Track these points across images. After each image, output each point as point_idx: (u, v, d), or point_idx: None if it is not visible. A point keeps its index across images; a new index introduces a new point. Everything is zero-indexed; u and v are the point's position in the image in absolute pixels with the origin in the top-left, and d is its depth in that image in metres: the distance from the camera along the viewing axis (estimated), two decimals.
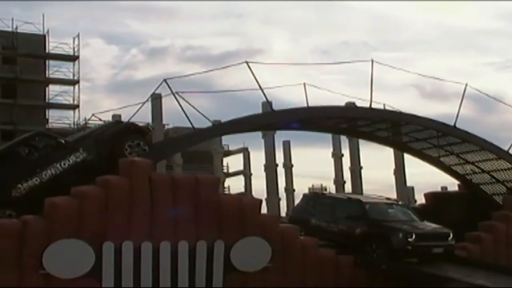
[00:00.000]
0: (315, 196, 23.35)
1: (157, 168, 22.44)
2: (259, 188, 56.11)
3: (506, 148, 23.17)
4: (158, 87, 19.72)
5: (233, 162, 68.28)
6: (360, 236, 19.39)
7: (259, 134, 48.74)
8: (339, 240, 19.94)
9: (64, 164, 17.46)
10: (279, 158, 54.59)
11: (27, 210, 15.75)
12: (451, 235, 19.45)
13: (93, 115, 22.89)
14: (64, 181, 16.96)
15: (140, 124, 19.25)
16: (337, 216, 20.47)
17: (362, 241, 19.29)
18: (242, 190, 61.64)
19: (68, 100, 56.05)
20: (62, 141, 18.04)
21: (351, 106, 23.72)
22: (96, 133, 18.69)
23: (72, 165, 17.54)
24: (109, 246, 15.69)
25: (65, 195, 15.97)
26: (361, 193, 22.45)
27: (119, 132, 18.59)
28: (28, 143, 17.94)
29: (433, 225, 19.98)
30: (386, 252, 18.68)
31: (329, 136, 48.77)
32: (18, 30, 54.13)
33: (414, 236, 18.67)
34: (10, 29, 53.73)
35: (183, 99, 19.49)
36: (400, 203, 22.51)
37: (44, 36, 55.41)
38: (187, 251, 16.49)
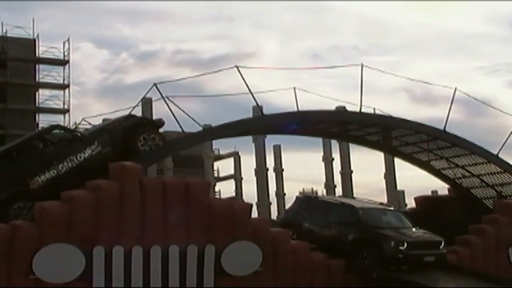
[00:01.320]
0: (308, 200, 23.16)
1: (148, 172, 22.43)
2: (250, 192, 56.12)
3: (495, 152, 23.25)
4: (149, 91, 19.73)
5: (224, 166, 68.28)
6: (352, 242, 19.23)
7: (249, 138, 48.81)
8: (330, 245, 19.72)
9: (80, 157, 17.76)
10: (270, 162, 54.68)
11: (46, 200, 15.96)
12: (443, 243, 19.37)
13: (83, 119, 22.85)
14: (80, 173, 17.27)
15: (154, 118, 19.43)
16: (329, 221, 20.23)
17: (353, 247, 19.14)
18: (233, 194, 61.68)
19: (58, 104, 55.82)
20: (78, 134, 18.45)
21: (341, 110, 23.75)
22: (111, 126, 18.97)
23: (88, 158, 17.84)
24: (99, 251, 15.67)
25: (81, 188, 16.26)
26: (353, 197, 22.19)
27: (133, 125, 18.75)
28: (44, 136, 18.34)
29: (425, 233, 19.81)
30: (377, 259, 18.56)
31: (319, 140, 48.80)
32: (8, 34, 53.86)
33: (406, 245, 18.55)
34: (0, 33, 53.56)
35: (173, 103, 19.46)
36: (392, 208, 22.32)
37: (34, 40, 55.21)
38: (177, 255, 16.49)
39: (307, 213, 21.13)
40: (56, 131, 18.65)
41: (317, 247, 19.36)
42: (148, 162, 19.22)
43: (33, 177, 17.12)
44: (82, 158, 17.79)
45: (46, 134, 18.49)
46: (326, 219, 20.39)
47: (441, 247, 19.33)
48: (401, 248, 18.50)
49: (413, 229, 19.95)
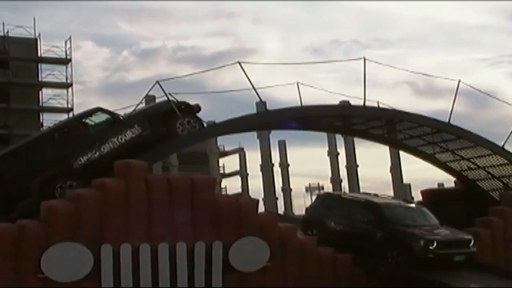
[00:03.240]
0: (330, 197, 22.51)
1: (153, 169, 22.44)
2: (256, 188, 56.19)
3: (500, 144, 23.20)
4: (151, 88, 19.66)
5: (229, 163, 68.39)
6: (379, 242, 18.74)
7: (254, 134, 48.79)
8: (356, 244, 19.21)
9: (121, 138, 18.44)
10: (275, 157, 54.73)
11: (86, 181, 16.69)
12: (473, 242, 18.95)
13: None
14: (121, 154, 17.70)
15: (191, 103, 19.78)
16: (353, 219, 19.78)
17: (381, 247, 18.67)
18: (239, 190, 61.71)
19: (61, 103, 55.86)
20: (120, 117, 19.01)
21: (345, 105, 23.70)
22: (150, 110, 19.49)
23: (128, 140, 18.48)
24: (107, 249, 15.70)
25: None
26: (375, 194, 21.34)
27: (172, 109, 19.12)
28: (87, 119, 18.86)
29: (454, 231, 19.35)
30: (406, 259, 18.08)
31: (324, 135, 48.84)
32: (10, 34, 53.91)
33: (435, 244, 18.08)
34: (1, 33, 53.57)
35: (177, 100, 19.53)
36: (417, 205, 21.48)
37: (36, 39, 55.24)
38: (185, 252, 16.51)
39: (329, 212, 20.63)
40: (99, 113, 19.02)
41: (342, 246, 18.99)
42: (153, 159, 19.22)
43: (76, 158, 17.81)
44: (123, 140, 18.45)
45: (89, 117, 18.95)
46: (350, 218, 19.93)
47: (470, 245, 18.87)
48: (430, 247, 18.03)
49: (439, 226, 19.50)
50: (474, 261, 18.93)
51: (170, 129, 18.99)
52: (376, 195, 21.52)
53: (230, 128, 20.88)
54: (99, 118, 18.88)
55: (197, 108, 19.75)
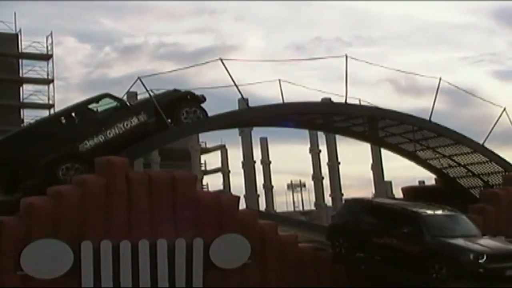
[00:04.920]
0: (359, 203, 20.44)
1: (134, 166, 22.36)
2: (238, 185, 56.19)
3: (481, 142, 23.35)
4: (133, 85, 19.72)
5: (211, 160, 68.25)
6: (421, 255, 17.09)
7: (236, 131, 48.80)
8: (393, 256, 17.96)
9: (127, 124, 18.81)
10: (257, 155, 54.74)
11: (91, 165, 17.03)
12: None
13: None
14: (126, 140, 18.48)
15: (197, 94, 20.12)
16: (389, 229, 18.14)
17: (423, 261, 17.03)
18: (221, 187, 61.67)
19: (43, 99, 55.47)
20: (127, 103, 19.41)
21: (327, 102, 23.77)
22: (157, 99, 19.51)
23: (134, 127, 18.86)
24: (87, 245, 15.63)
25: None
26: (407, 200, 20.71)
27: (177, 98, 19.69)
28: (94, 104, 19.12)
29: (501, 241, 18.05)
30: (453, 274, 16.49)
31: (306, 132, 48.94)
32: None
33: (485, 257, 16.40)
34: None
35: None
36: (458, 213, 19.23)
37: (17, 35, 54.81)
38: (166, 249, 16.47)
39: (359, 220, 19.13)
40: (106, 99, 19.24)
41: (376, 259, 18.48)
42: (133, 155, 19.17)
43: (82, 141, 18.15)
44: (128, 126, 18.81)
45: (96, 102, 19.17)
46: (385, 227, 18.30)
47: None
48: (480, 261, 16.36)
49: (483, 236, 18.09)
50: None
51: (175, 118, 19.40)
52: (406, 200, 20.35)
53: (212, 125, 20.90)
54: (106, 103, 19.19)
55: (202, 98, 20.07)
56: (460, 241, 17.12)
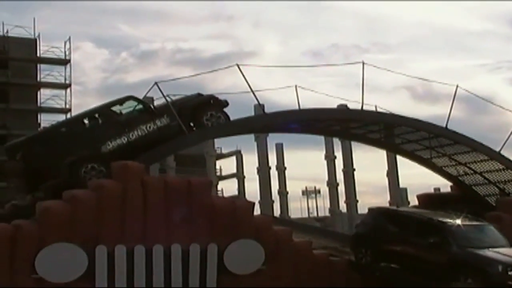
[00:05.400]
0: (385, 212, 20.21)
1: (150, 171, 22.43)
2: (253, 191, 56.29)
3: (497, 149, 23.20)
4: (150, 90, 19.74)
5: (226, 165, 68.36)
6: (448, 266, 16.69)
7: (251, 137, 48.85)
8: (419, 267, 17.54)
9: (150, 127, 19.04)
10: (272, 160, 54.80)
11: None
12: None
13: None
14: (148, 142, 18.68)
15: (220, 99, 20.34)
16: (414, 239, 17.82)
17: (449, 272, 16.63)
18: (236, 193, 61.70)
19: (60, 104, 55.92)
20: (151, 106, 19.60)
21: (343, 108, 23.70)
22: (180, 102, 19.85)
23: (156, 129, 19.08)
24: (102, 250, 15.67)
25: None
26: (432, 209, 20.00)
27: (201, 103, 19.94)
28: (118, 106, 19.39)
29: None
30: (480, 286, 15.98)
31: (321, 138, 48.89)
32: (9, 34, 53.94)
33: None
34: (1, 33, 53.59)
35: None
36: (485, 223, 18.91)
37: (35, 40, 55.27)
38: (180, 254, 16.47)
39: (384, 229, 18.94)
40: (130, 101, 19.45)
41: (401, 269, 18.14)
42: (150, 160, 19.24)
43: (105, 142, 18.39)
44: (151, 128, 19.02)
45: (120, 104, 19.42)
46: (411, 237, 17.98)
47: None
48: (510, 273, 15.96)
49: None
50: None
51: (197, 122, 19.64)
52: (431, 209, 19.91)
53: (227, 130, 20.90)
54: (130, 106, 19.39)
55: (225, 103, 20.24)
56: (488, 252, 16.72)
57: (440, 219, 18.20)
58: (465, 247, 16.90)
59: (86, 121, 19.15)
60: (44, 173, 17.93)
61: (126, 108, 19.41)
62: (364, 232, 19.84)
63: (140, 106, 19.40)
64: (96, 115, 19.22)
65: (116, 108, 19.41)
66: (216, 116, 19.79)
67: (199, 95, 20.39)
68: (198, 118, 19.62)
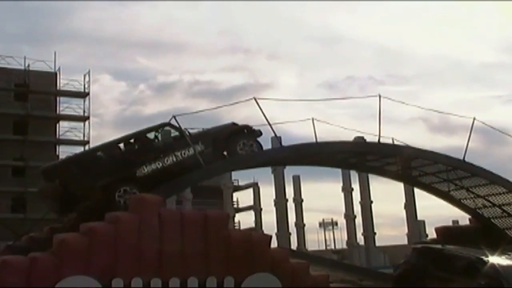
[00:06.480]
0: (430, 251, 19.42)
1: (167, 203, 22.47)
2: (270, 223, 56.14)
3: None
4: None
5: (243, 197, 68.41)
6: None
7: (268, 169, 48.81)
8: None
9: (184, 153, 19.44)
10: (289, 192, 54.69)
11: (147, 190, 17.53)
12: None
13: None
14: (182, 168, 19.08)
15: (254, 128, 20.76)
16: (463, 280, 17.09)
17: None
18: (253, 225, 61.57)
19: (78, 136, 56.42)
20: (186, 133, 19.92)
21: (360, 141, 23.69)
22: (215, 130, 20.48)
23: (191, 156, 19.46)
24: (118, 283, 15.61)
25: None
26: (484, 249, 18.77)
27: (235, 131, 20.44)
28: (156, 132, 19.98)
29: None
30: None
31: (338, 170, 48.77)
32: (31, 68, 54.73)
33: None
34: (22, 67, 54.37)
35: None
36: None
37: (56, 73, 56.01)
38: (197, 287, 16.42)
39: (430, 269, 18.27)
40: (167, 128, 19.91)
41: None
42: (167, 193, 19.29)
43: (140, 167, 18.81)
44: (185, 155, 19.44)
45: (156, 130, 19.96)
46: (457, 278, 17.34)
47: None
48: None
49: None
50: None
51: (231, 149, 20.12)
52: (478, 248, 19.00)
53: (244, 163, 20.95)
54: (166, 132, 19.86)
55: (259, 132, 20.60)
56: None
57: (490, 259, 17.37)
58: None
59: (121, 146, 19.57)
60: (79, 195, 18.23)
61: (163, 134, 19.91)
62: (407, 272, 19.32)
63: (176, 133, 19.79)
64: (132, 141, 19.66)
65: (151, 134, 19.85)
66: (248, 145, 20.23)
67: (234, 124, 20.76)
68: (232, 147, 20.08)
